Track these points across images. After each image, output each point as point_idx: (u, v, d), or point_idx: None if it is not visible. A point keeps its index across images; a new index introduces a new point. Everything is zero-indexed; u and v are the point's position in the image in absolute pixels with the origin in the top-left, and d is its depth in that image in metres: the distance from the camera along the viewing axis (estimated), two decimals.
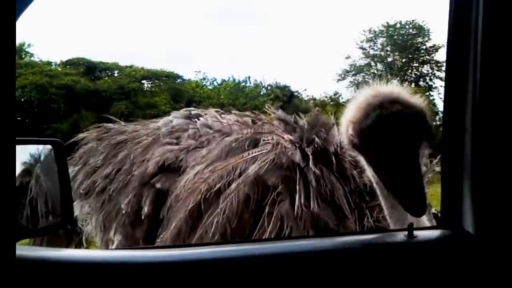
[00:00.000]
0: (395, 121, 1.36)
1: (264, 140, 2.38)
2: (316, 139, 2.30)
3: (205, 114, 2.98)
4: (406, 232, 1.28)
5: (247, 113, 2.98)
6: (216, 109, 3.15)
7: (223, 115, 2.97)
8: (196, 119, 2.89)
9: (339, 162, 2.24)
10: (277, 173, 2.19)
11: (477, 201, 1.25)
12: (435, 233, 1.35)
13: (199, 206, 2.20)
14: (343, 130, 1.55)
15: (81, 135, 3.47)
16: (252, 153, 2.29)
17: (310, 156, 2.21)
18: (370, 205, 2.11)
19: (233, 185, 2.17)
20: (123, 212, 2.63)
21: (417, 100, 1.44)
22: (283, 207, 2.10)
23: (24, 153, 1.57)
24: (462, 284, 1.24)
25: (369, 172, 1.62)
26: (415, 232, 1.28)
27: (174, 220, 2.27)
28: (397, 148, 1.35)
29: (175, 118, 2.98)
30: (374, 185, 1.67)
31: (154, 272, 1.16)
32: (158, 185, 2.53)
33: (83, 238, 3.19)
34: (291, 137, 2.38)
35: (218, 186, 2.20)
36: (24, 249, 1.19)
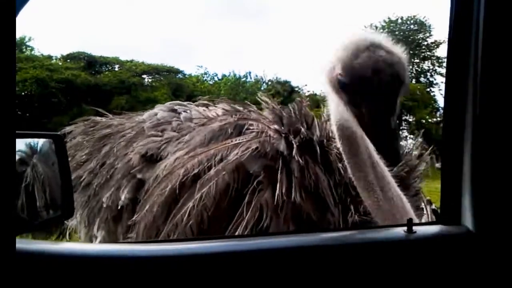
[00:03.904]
0: (383, 64, 1.41)
1: (249, 127, 2.33)
2: (303, 129, 2.25)
3: (191, 107, 2.94)
4: (405, 228, 1.29)
5: (237, 103, 2.89)
6: (204, 101, 3.08)
7: (210, 107, 2.91)
8: (181, 112, 2.85)
9: (325, 154, 2.18)
10: (260, 162, 2.13)
11: (476, 198, 1.25)
12: (434, 228, 1.35)
13: (175, 191, 2.14)
14: (327, 71, 1.57)
15: (67, 128, 3.43)
16: (235, 140, 2.24)
17: (295, 146, 2.15)
18: (355, 199, 2.06)
19: (212, 171, 2.11)
20: (105, 206, 2.60)
21: (399, 49, 1.49)
22: (262, 196, 2.05)
23: (23, 147, 1.57)
24: (460, 279, 1.24)
25: (345, 117, 1.64)
26: (414, 228, 1.29)
27: (148, 203, 2.23)
28: (383, 89, 1.40)
29: (160, 111, 2.94)
30: (346, 162, 1.75)
31: (154, 266, 1.16)
32: (139, 175, 2.50)
33: (67, 233, 3.17)
34: (277, 127, 2.32)
35: (196, 171, 2.14)
36: (25, 242, 1.19)
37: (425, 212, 2.20)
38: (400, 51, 1.48)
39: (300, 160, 2.10)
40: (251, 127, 2.32)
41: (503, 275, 1.21)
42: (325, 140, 2.22)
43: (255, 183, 2.08)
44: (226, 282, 1.20)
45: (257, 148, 2.15)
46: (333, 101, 1.69)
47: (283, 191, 2.02)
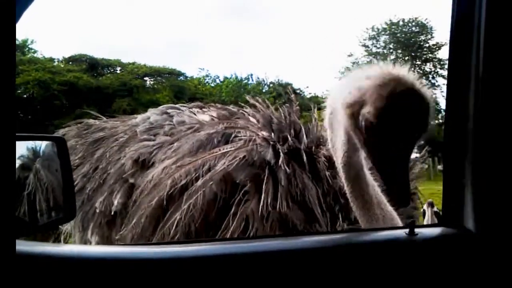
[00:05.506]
0: (416, 112, 1.35)
1: (237, 136, 2.30)
2: (290, 137, 2.22)
3: (184, 109, 2.91)
4: (407, 230, 1.28)
5: (230, 106, 2.87)
6: (198, 104, 3.07)
7: (204, 109, 2.88)
8: (174, 116, 2.82)
9: (313, 162, 2.16)
10: (247, 171, 2.11)
11: (478, 200, 1.24)
12: (436, 230, 1.34)
13: (163, 203, 2.13)
14: (349, 103, 1.45)
15: (61, 131, 3.40)
16: (223, 149, 2.21)
17: (282, 155, 2.13)
18: (344, 207, 2.03)
19: (200, 182, 2.09)
20: (98, 211, 2.57)
21: (427, 91, 1.41)
22: (248, 206, 2.03)
23: (25, 150, 1.58)
24: (462, 281, 1.24)
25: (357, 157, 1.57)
26: (416, 230, 1.28)
27: (136, 215, 2.21)
28: (411, 139, 1.36)
29: (153, 114, 2.91)
30: (342, 177, 1.66)
31: (154, 268, 1.16)
32: (131, 180, 2.48)
33: (61, 238, 3.13)
34: (265, 134, 2.29)
35: (183, 181, 2.12)
36: (25, 244, 1.19)
37: (426, 214, 2.20)
38: (428, 93, 1.40)
39: (287, 169, 2.08)
40: (239, 135, 2.29)
41: (505, 277, 1.21)
42: (313, 147, 2.20)
43: (241, 193, 2.06)
44: (225, 284, 1.19)
45: (244, 157, 2.13)
46: (342, 131, 1.59)
47: (269, 200, 2.00)
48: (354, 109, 1.42)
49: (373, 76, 1.40)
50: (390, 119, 1.33)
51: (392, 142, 1.35)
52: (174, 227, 2.04)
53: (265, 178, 2.07)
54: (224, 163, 2.11)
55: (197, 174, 2.12)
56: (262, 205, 1.99)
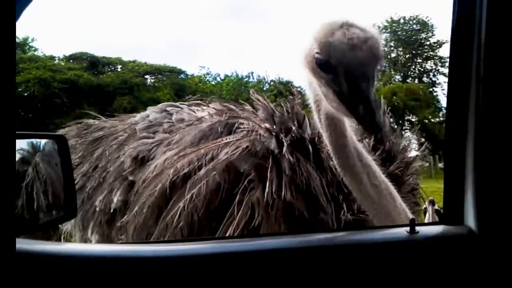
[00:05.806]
0: (357, 39, 1.45)
1: (239, 126, 2.30)
2: (294, 128, 2.23)
3: (183, 107, 2.91)
4: (408, 228, 1.28)
5: (230, 102, 2.86)
6: (197, 101, 3.06)
7: (203, 106, 2.88)
8: (173, 113, 2.83)
9: (316, 152, 2.17)
10: (250, 160, 2.12)
11: (479, 198, 1.24)
12: (437, 229, 1.34)
13: (165, 192, 2.13)
14: (305, 54, 1.60)
15: (61, 131, 3.40)
16: (226, 139, 2.22)
17: (286, 145, 2.12)
18: (348, 197, 2.05)
19: (203, 171, 2.10)
20: (98, 210, 2.58)
21: (372, 28, 1.52)
22: (254, 195, 2.03)
23: (26, 148, 1.58)
24: (463, 280, 1.23)
25: (324, 99, 1.64)
26: (417, 228, 1.28)
27: (137, 205, 2.21)
28: (358, 62, 1.43)
29: (153, 112, 2.92)
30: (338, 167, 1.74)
31: (154, 266, 1.16)
32: (130, 177, 2.48)
33: (62, 237, 3.13)
34: (268, 125, 2.30)
35: (186, 170, 2.13)
36: (25, 243, 1.19)
37: (427, 212, 2.20)
38: (373, 29, 1.52)
39: (291, 158, 2.08)
40: (241, 126, 2.30)
41: (505, 275, 1.20)
42: (316, 138, 2.20)
43: (245, 182, 2.06)
44: (226, 283, 1.20)
45: (247, 147, 2.13)
46: (313, 86, 1.70)
47: (274, 189, 2.00)
48: (309, 56, 1.56)
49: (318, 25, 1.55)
50: (333, 49, 1.45)
51: (346, 71, 1.45)
52: (177, 217, 2.04)
53: (269, 167, 2.07)
54: (227, 152, 2.11)
55: (200, 164, 2.13)
56: (267, 193, 1.98)
